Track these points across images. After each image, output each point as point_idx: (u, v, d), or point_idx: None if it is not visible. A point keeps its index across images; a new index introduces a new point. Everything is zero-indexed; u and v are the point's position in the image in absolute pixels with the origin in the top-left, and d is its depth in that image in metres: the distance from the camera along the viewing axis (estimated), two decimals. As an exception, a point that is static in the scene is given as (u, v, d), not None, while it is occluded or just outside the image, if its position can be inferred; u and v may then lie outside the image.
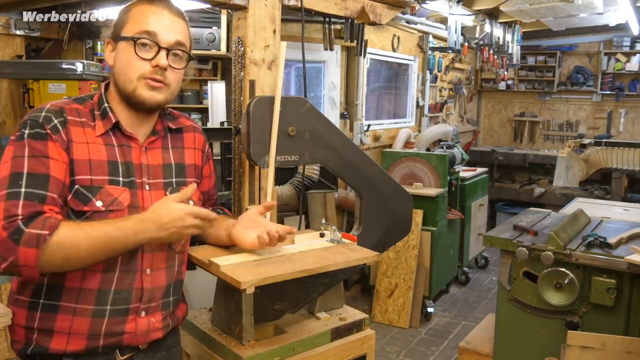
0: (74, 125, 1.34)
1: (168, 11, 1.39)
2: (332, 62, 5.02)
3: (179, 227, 1.32)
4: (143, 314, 1.42)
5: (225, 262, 1.53)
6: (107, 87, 1.45)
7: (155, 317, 1.45)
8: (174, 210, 1.33)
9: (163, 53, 1.36)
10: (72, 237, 1.23)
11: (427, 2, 4.55)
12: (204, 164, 1.61)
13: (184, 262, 1.55)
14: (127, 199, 1.36)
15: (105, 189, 1.34)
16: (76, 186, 1.31)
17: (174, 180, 1.49)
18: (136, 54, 1.34)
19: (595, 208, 3.52)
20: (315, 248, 1.77)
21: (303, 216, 3.25)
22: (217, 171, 3.37)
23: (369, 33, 4.98)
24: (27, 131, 1.29)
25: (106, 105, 1.40)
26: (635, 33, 6.62)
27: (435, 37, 6.30)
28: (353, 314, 1.96)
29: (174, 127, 1.52)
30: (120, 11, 1.42)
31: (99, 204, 1.32)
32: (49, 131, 1.29)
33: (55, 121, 1.31)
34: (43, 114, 1.31)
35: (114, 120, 1.38)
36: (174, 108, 1.62)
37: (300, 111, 1.83)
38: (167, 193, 1.45)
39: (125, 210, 1.36)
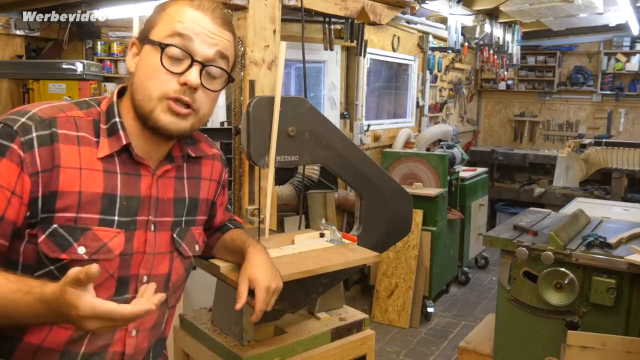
0: (66, 143, 1.03)
1: (211, 17, 1.09)
2: (332, 62, 5.01)
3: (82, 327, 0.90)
4: None
5: (225, 263, 1.53)
6: (120, 94, 1.15)
7: None
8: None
9: (196, 68, 1.06)
10: None
11: (427, 2, 4.54)
12: (218, 196, 1.34)
13: (171, 316, 1.27)
14: (120, 246, 1.07)
15: (93, 232, 1.04)
16: (54, 226, 1.01)
17: (183, 219, 1.21)
18: (162, 65, 1.05)
19: (595, 208, 3.52)
20: (315, 248, 1.77)
21: (303, 216, 3.25)
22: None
23: (369, 33, 4.98)
24: None
25: (117, 120, 1.10)
26: (635, 33, 6.61)
27: (435, 37, 6.29)
28: (353, 314, 1.96)
29: (193, 155, 1.24)
30: (154, 8, 1.13)
31: (81, 250, 1.03)
32: (15, 145, 0.98)
33: (34, 134, 1.00)
34: (23, 119, 1.01)
35: (124, 142, 1.08)
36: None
37: (300, 111, 1.83)
38: (175, 235, 1.19)
39: (115, 260, 1.07)
